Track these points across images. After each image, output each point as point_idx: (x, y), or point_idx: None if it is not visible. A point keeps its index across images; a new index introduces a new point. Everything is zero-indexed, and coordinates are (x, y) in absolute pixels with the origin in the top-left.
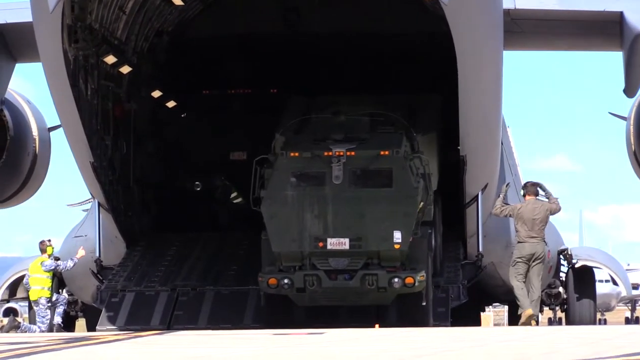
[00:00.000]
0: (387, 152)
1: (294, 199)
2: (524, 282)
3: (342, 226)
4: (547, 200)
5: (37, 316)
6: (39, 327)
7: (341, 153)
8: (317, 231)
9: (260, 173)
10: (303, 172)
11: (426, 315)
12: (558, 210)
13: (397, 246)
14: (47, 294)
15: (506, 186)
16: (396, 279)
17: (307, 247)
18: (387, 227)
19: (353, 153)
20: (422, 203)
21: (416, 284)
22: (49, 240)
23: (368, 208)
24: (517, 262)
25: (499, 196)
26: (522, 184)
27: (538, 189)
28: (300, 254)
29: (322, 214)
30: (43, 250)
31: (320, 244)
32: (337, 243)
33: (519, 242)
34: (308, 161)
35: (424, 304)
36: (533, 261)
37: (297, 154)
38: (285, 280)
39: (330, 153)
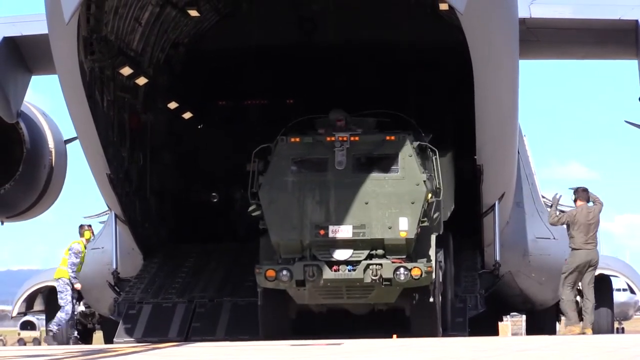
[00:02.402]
0: (393, 138)
1: (294, 185)
2: (575, 292)
3: (344, 213)
4: (592, 204)
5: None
6: (61, 310)
7: (344, 138)
8: (319, 218)
9: (259, 165)
10: (304, 158)
11: (435, 314)
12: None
13: (403, 234)
14: (65, 274)
15: (558, 196)
16: (402, 270)
17: (308, 235)
18: (392, 214)
19: (357, 138)
20: (430, 195)
21: (423, 275)
22: (89, 226)
23: (372, 194)
24: (572, 270)
25: (551, 206)
26: (539, 193)
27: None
28: (300, 243)
29: (323, 201)
30: (81, 235)
31: (322, 232)
32: (340, 231)
33: (574, 249)
34: (309, 147)
35: (431, 300)
36: (587, 269)
37: (297, 140)
38: (284, 272)
39: (332, 138)
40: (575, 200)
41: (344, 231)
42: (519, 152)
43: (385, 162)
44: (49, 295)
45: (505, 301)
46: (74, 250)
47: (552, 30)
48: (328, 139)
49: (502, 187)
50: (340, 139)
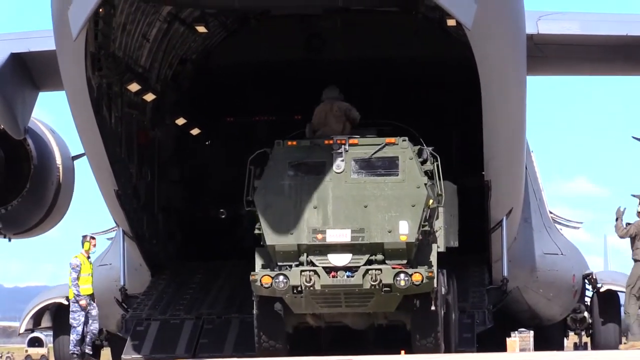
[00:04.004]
0: (393, 140)
1: (290, 188)
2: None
3: (343, 216)
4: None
5: None
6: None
7: (343, 141)
8: (316, 222)
9: (255, 172)
10: (301, 161)
11: (437, 324)
12: None
13: (403, 238)
14: (71, 293)
15: (623, 209)
16: (402, 275)
17: (305, 239)
18: (392, 217)
19: (356, 141)
20: (431, 200)
21: (424, 280)
22: (92, 237)
23: (372, 197)
24: (635, 283)
25: (617, 220)
26: (547, 208)
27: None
28: (297, 248)
29: (321, 204)
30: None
31: (319, 236)
32: (338, 235)
33: (637, 260)
34: (307, 150)
35: (432, 308)
36: None
37: (294, 143)
38: (281, 278)
39: (331, 141)
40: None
41: (342, 235)
42: (526, 168)
43: (385, 165)
44: (57, 312)
45: (513, 317)
46: (72, 266)
47: (559, 46)
48: (326, 142)
49: (510, 203)
50: (339, 142)
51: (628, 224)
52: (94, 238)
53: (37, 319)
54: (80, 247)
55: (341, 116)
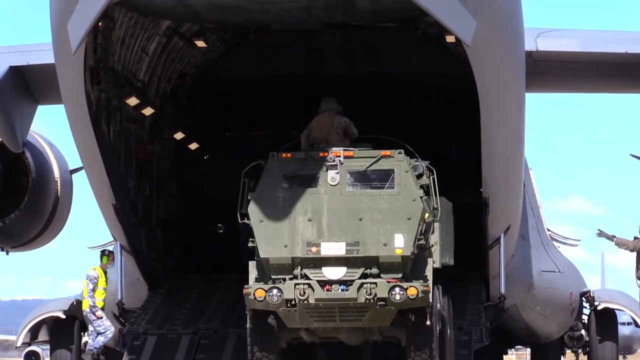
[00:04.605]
0: (388, 153)
1: (285, 200)
2: None
3: (337, 229)
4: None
5: None
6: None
7: (338, 154)
8: (311, 235)
9: (249, 184)
10: (296, 173)
11: (432, 340)
12: None
13: (398, 251)
14: (86, 303)
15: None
16: (397, 289)
17: (299, 252)
18: (387, 230)
19: (351, 153)
20: (427, 214)
21: (420, 295)
22: (110, 252)
23: (367, 210)
24: None
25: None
26: (545, 226)
27: None
28: (291, 261)
29: (316, 217)
30: (100, 260)
31: (314, 249)
32: (332, 248)
33: None
34: (301, 162)
35: (428, 323)
36: None
37: (289, 155)
38: (275, 291)
39: (326, 154)
40: None
41: (336, 248)
42: (524, 185)
43: (380, 177)
44: (54, 326)
45: (510, 334)
46: (90, 277)
47: (558, 64)
48: (321, 154)
49: (508, 220)
50: (334, 154)
51: (636, 237)
52: (112, 253)
53: (34, 332)
54: (99, 260)
55: (341, 133)
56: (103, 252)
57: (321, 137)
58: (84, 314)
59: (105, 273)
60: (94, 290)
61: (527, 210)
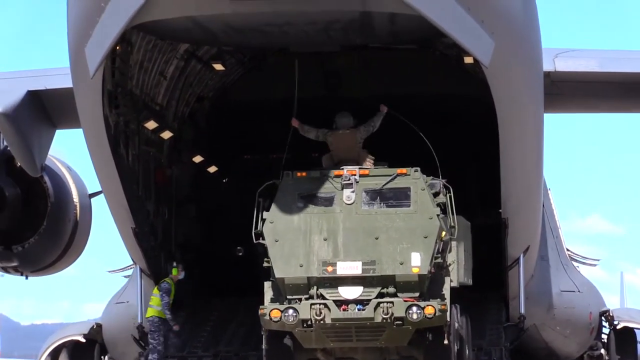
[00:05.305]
0: (404, 171)
1: (300, 220)
2: None
3: (353, 248)
4: None
5: None
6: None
7: (354, 172)
8: (326, 255)
9: (264, 204)
10: (310, 192)
11: (448, 359)
12: None
13: (415, 270)
14: (155, 312)
15: None
16: (414, 308)
17: (315, 272)
18: (404, 249)
19: (367, 172)
20: (444, 232)
21: (437, 313)
22: (177, 264)
23: (383, 229)
24: None
25: None
26: (564, 246)
27: None
28: (306, 281)
29: (331, 236)
30: (170, 272)
31: (330, 269)
32: (349, 267)
33: None
34: (316, 181)
35: (446, 342)
36: None
37: (304, 174)
38: (290, 311)
39: (341, 172)
40: None
41: (353, 268)
42: (543, 206)
43: (396, 195)
44: (74, 350)
45: (530, 354)
46: (164, 290)
47: (576, 84)
48: (336, 173)
49: (527, 240)
50: (350, 173)
51: None
52: (180, 264)
53: (54, 356)
54: (169, 273)
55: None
56: (171, 264)
57: (349, 156)
58: (149, 321)
59: (174, 285)
60: (169, 303)
61: (546, 230)
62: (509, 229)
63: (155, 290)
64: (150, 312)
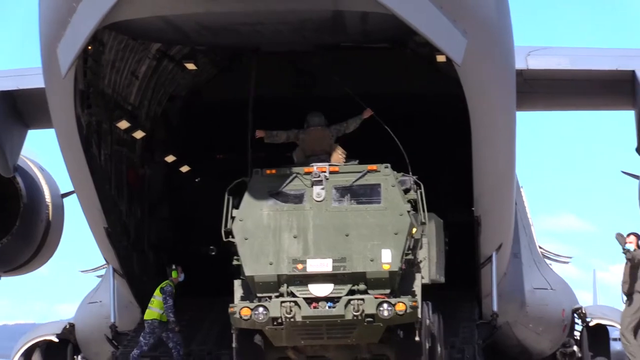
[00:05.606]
0: (374, 167)
1: (269, 217)
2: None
3: (324, 246)
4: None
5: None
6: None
7: (324, 169)
8: (296, 252)
9: (233, 202)
10: (280, 190)
11: (421, 356)
12: None
13: (385, 267)
14: (154, 315)
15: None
16: (385, 305)
17: (285, 269)
18: (374, 246)
19: (337, 169)
20: (415, 229)
21: (408, 310)
22: (176, 265)
23: (353, 226)
24: None
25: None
26: (536, 243)
27: None
28: (276, 279)
29: (301, 233)
30: (169, 275)
31: (300, 266)
32: (319, 264)
33: None
34: (286, 178)
35: (417, 339)
36: None
37: (274, 172)
38: (260, 309)
39: (311, 169)
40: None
41: (323, 265)
42: (516, 203)
43: (366, 192)
44: (47, 350)
45: (503, 351)
46: (167, 294)
47: (549, 82)
48: (306, 170)
49: (500, 238)
50: (319, 170)
51: (628, 250)
52: (179, 266)
53: (27, 356)
54: (169, 275)
55: (333, 142)
56: (170, 267)
57: (321, 149)
58: (146, 323)
59: (175, 287)
60: (172, 306)
61: (518, 228)
62: (481, 227)
63: (157, 293)
64: (149, 315)
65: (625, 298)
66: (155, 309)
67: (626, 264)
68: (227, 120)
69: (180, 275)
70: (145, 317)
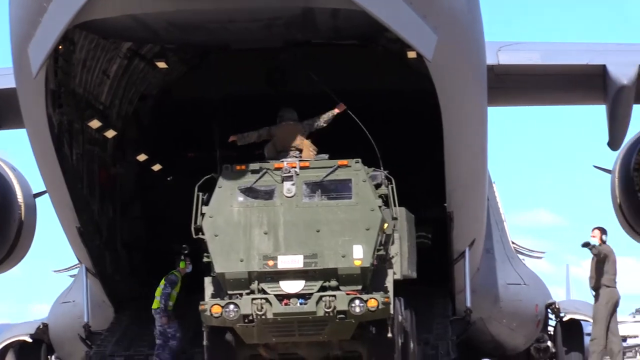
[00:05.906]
0: (345, 162)
1: (239, 214)
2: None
3: (294, 242)
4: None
5: None
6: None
7: (294, 165)
8: (267, 249)
9: (203, 198)
10: (250, 186)
11: (393, 353)
12: None
13: (357, 263)
14: (156, 303)
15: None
16: (357, 301)
17: (256, 266)
18: (346, 242)
19: (307, 164)
20: (386, 224)
21: (380, 306)
22: (184, 255)
23: (324, 221)
24: (613, 311)
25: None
26: (509, 239)
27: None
28: (247, 276)
29: (272, 230)
30: (177, 265)
31: (270, 263)
32: (290, 261)
33: (609, 287)
34: (256, 174)
35: (389, 335)
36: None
37: (243, 167)
38: (231, 307)
39: (281, 165)
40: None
41: (294, 261)
42: (488, 199)
43: (337, 188)
44: (20, 350)
45: (477, 347)
46: (169, 281)
47: (520, 77)
48: (276, 165)
49: (472, 233)
50: (290, 165)
51: (594, 245)
52: (188, 256)
53: (1, 357)
54: (177, 265)
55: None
56: (179, 257)
57: (293, 144)
58: (154, 313)
59: (182, 278)
60: (169, 294)
61: (491, 223)
62: (454, 223)
63: (163, 282)
64: (155, 304)
65: (594, 293)
66: (158, 297)
67: (592, 259)
68: (198, 118)
69: (188, 266)
70: (153, 306)
